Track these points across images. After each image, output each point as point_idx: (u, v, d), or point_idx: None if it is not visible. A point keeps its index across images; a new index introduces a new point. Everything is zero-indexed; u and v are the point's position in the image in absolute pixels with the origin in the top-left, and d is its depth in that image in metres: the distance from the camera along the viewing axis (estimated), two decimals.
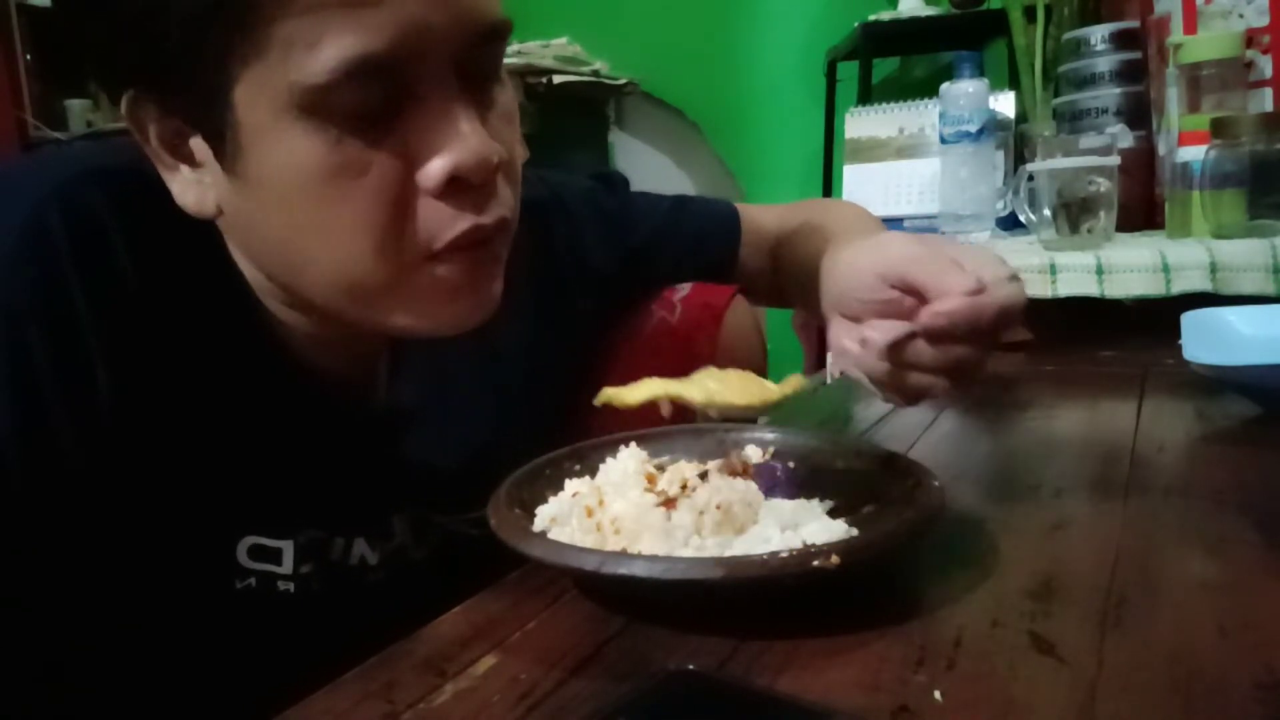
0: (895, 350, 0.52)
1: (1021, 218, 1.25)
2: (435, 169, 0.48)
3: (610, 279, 0.74)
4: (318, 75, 0.45)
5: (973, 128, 1.36)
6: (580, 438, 0.61)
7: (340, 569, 0.61)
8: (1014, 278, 0.53)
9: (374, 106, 0.47)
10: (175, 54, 0.46)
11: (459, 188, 0.49)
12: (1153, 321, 0.97)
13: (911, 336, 0.51)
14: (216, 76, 0.46)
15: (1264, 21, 1.22)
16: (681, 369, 0.55)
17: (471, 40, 0.48)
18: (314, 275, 0.51)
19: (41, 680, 0.55)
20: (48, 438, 0.49)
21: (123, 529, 0.53)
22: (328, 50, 0.44)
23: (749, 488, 0.50)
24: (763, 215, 0.85)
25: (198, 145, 0.49)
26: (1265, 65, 1.21)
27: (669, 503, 0.49)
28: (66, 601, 0.53)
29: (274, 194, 0.48)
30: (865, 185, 1.70)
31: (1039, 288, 1.04)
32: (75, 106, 2.76)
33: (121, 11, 0.46)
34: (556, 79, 2.39)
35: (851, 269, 0.57)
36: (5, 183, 0.54)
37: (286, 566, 0.58)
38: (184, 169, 0.50)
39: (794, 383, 0.53)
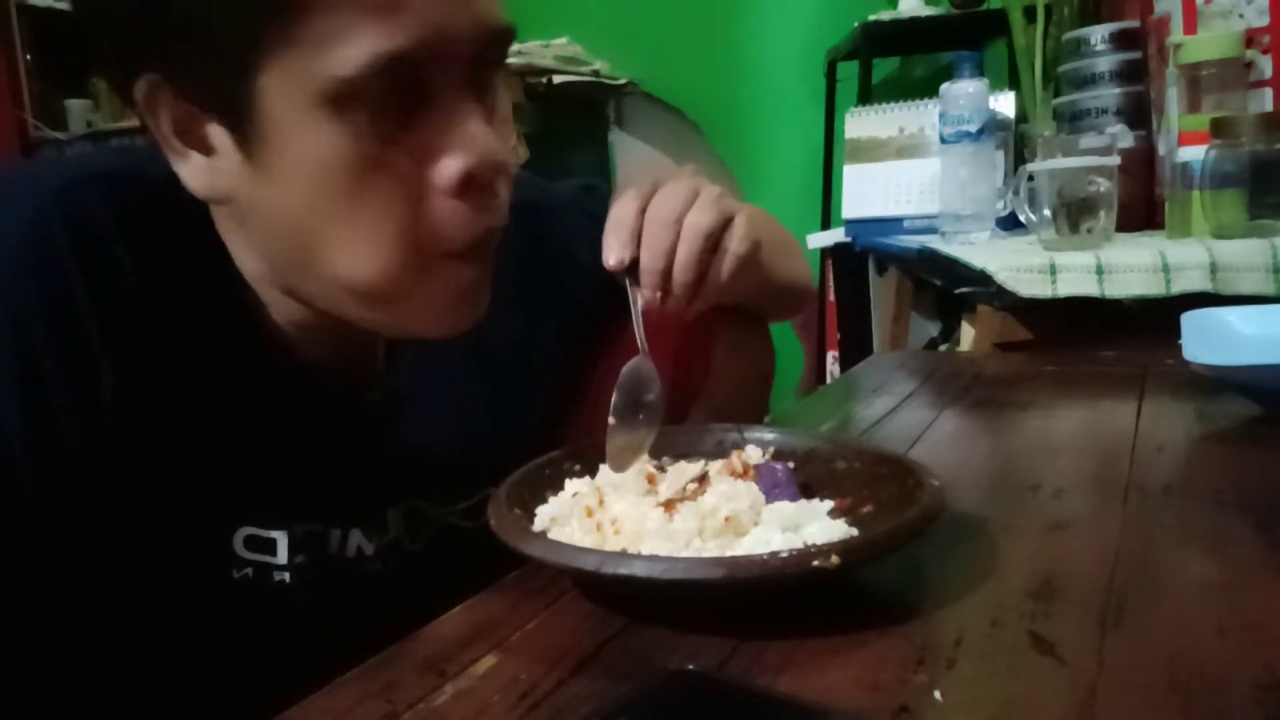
0: (654, 254, 0.59)
1: (1021, 218, 1.25)
2: (451, 168, 0.50)
3: (601, 276, 0.75)
4: (347, 71, 0.46)
5: (973, 128, 1.36)
6: (578, 431, 0.61)
7: (337, 560, 0.61)
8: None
9: (396, 104, 0.48)
10: (203, 40, 0.47)
11: (470, 187, 0.51)
12: (1153, 321, 0.97)
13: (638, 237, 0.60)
14: (243, 65, 0.47)
15: (1264, 21, 1.22)
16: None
17: (485, 43, 0.50)
18: (322, 269, 0.52)
19: (40, 675, 0.55)
20: (55, 436, 0.50)
21: (124, 520, 0.53)
22: (358, 46, 0.46)
23: (751, 490, 0.50)
24: None
25: (215, 132, 0.50)
26: (1265, 65, 1.21)
27: (669, 505, 0.49)
28: (68, 594, 0.53)
29: (295, 186, 0.50)
30: (865, 185, 1.70)
31: (1039, 288, 1.04)
32: (75, 106, 2.77)
33: None
34: (556, 79, 2.40)
35: None
36: (5, 190, 0.55)
37: (281, 557, 0.58)
38: (195, 155, 0.51)
39: None
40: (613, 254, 0.59)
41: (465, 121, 0.50)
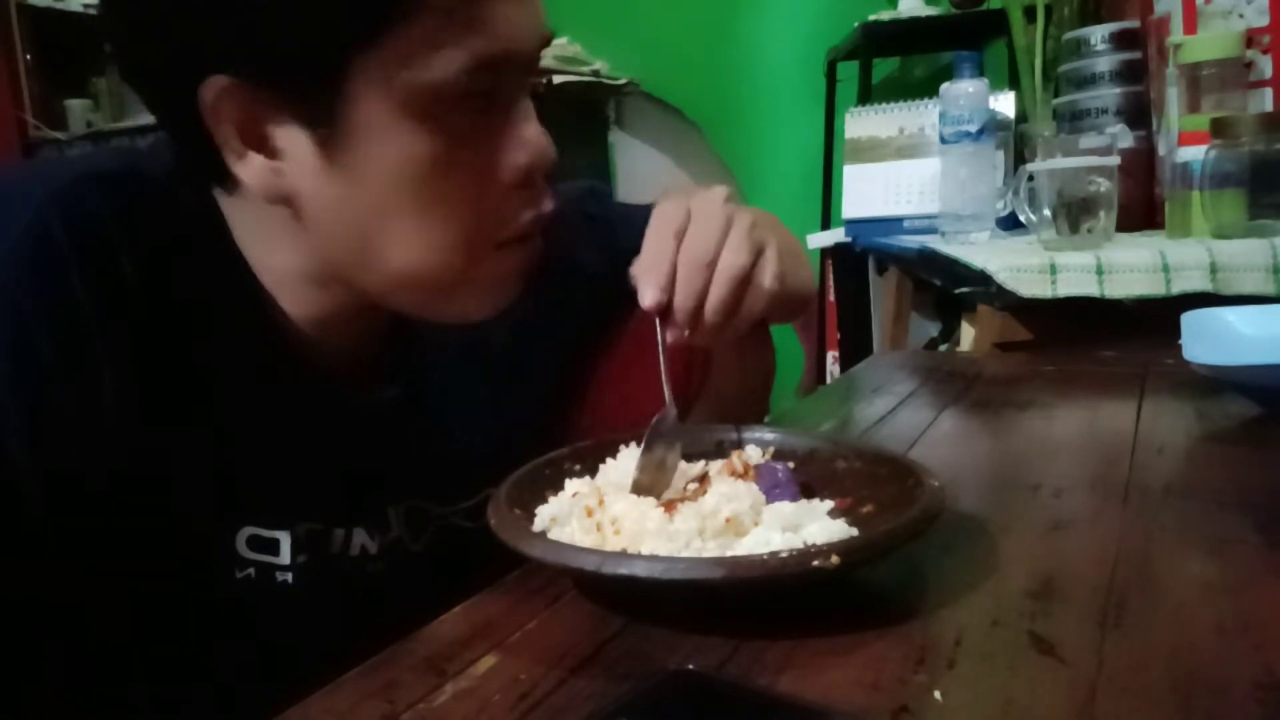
0: (686, 296, 0.57)
1: (1021, 218, 1.25)
2: (516, 164, 0.54)
3: (601, 279, 0.75)
4: (440, 78, 0.49)
5: (973, 128, 1.36)
6: (578, 431, 0.61)
7: (341, 560, 0.61)
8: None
9: (472, 107, 0.51)
10: (294, 44, 0.48)
11: (528, 181, 0.55)
12: (1153, 321, 0.97)
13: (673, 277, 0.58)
14: (333, 70, 0.49)
15: (1264, 21, 1.22)
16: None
17: (540, 49, 0.55)
18: (386, 262, 0.54)
19: (42, 674, 0.55)
20: (55, 435, 0.50)
21: (125, 521, 0.53)
22: (451, 55, 0.49)
23: (751, 490, 0.50)
24: None
25: (285, 134, 0.51)
26: (1265, 65, 1.21)
27: (669, 505, 0.49)
28: (69, 594, 0.53)
29: (372, 185, 0.51)
30: (865, 185, 1.70)
31: (1039, 288, 1.04)
32: (75, 106, 2.77)
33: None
34: (556, 79, 2.40)
35: None
36: (5, 190, 0.55)
37: (284, 557, 0.58)
38: (255, 157, 0.51)
39: None
40: (649, 296, 0.58)
41: (523, 121, 0.54)
